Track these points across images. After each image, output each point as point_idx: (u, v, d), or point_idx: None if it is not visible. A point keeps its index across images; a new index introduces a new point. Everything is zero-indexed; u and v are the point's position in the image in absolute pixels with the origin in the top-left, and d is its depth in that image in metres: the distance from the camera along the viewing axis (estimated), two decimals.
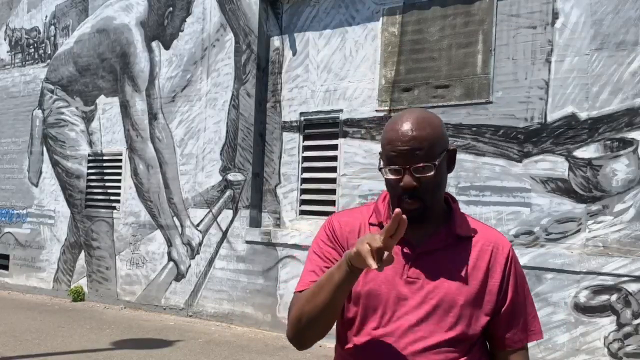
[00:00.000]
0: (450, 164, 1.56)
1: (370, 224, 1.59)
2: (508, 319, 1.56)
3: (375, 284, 1.52)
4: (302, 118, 7.02)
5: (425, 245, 1.53)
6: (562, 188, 5.34)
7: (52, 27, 9.56)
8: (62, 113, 9.30)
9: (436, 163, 1.47)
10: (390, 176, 1.49)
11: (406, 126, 1.47)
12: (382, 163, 1.53)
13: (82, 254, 8.88)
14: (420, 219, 1.51)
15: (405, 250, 1.53)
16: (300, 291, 1.55)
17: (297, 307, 1.52)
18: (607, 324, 4.97)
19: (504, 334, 1.57)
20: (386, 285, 1.51)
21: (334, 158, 6.76)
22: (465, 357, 1.51)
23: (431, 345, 1.48)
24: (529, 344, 1.62)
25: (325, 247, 1.60)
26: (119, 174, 8.53)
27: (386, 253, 1.32)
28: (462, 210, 1.64)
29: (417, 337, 1.49)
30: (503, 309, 1.55)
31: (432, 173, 1.47)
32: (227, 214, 7.37)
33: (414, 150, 1.46)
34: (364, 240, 1.34)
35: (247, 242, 7.16)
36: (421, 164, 1.46)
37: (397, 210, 1.31)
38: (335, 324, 1.57)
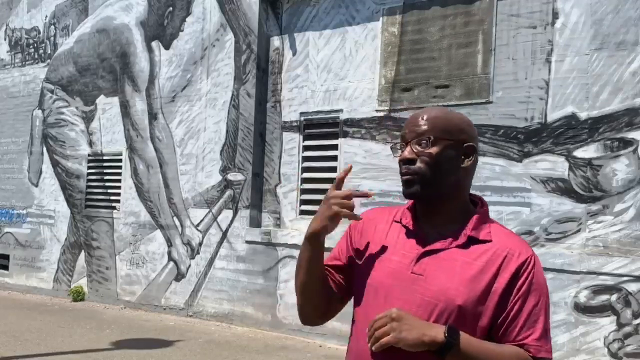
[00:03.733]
0: (467, 159, 1.59)
1: (394, 221, 1.68)
2: (507, 324, 1.49)
3: (382, 275, 1.58)
4: (302, 118, 7.02)
5: (435, 244, 1.56)
6: (562, 188, 5.34)
7: (52, 27, 9.56)
8: (62, 113, 9.30)
9: (431, 137, 1.55)
10: (395, 154, 1.63)
11: (419, 111, 1.63)
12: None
13: (82, 254, 8.88)
14: (421, 194, 1.57)
15: (415, 245, 1.58)
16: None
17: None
18: (607, 324, 4.97)
19: (503, 339, 1.50)
20: (392, 278, 1.55)
21: (334, 158, 6.76)
22: None
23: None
24: None
25: (344, 237, 1.76)
26: (119, 174, 8.53)
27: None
28: (491, 217, 1.63)
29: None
30: (503, 314, 1.49)
31: (429, 149, 1.54)
32: (227, 214, 7.37)
33: (418, 125, 1.58)
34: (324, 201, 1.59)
35: (247, 242, 7.16)
36: (420, 138, 1.56)
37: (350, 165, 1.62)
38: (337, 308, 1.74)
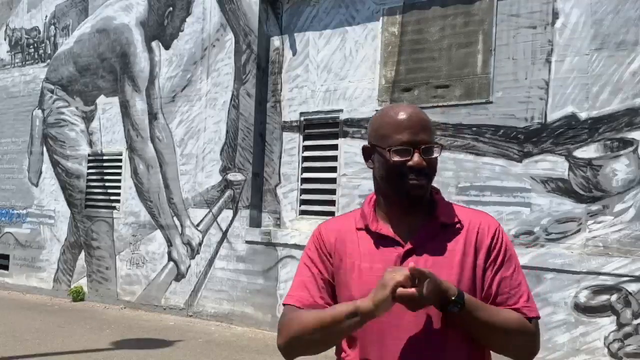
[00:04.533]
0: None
1: (357, 229, 1.61)
2: (495, 295, 1.54)
3: (370, 287, 1.52)
4: (302, 118, 7.02)
5: (413, 241, 1.55)
6: (562, 188, 5.34)
7: (52, 27, 9.56)
8: (62, 113, 9.30)
9: (442, 144, 1.57)
10: (397, 158, 1.52)
11: (409, 111, 1.56)
12: (382, 149, 1.54)
13: (82, 254, 8.88)
14: (421, 201, 1.56)
15: (394, 249, 1.55)
16: (292, 305, 1.59)
17: (297, 329, 1.54)
18: (607, 324, 4.97)
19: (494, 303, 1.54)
20: None
21: (334, 158, 6.76)
22: (464, 344, 1.51)
23: (427, 338, 1.50)
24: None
25: (314, 257, 1.64)
26: (119, 174, 8.53)
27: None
28: (446, 200, 1.65)
29: (412, 333, 1.50)
30: (487, 288, 1.54)
31: (437, 155, 1.54)
32: (227, 214, 7.37)
33: (422, 130, 1.53)
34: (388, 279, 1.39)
35: (247, 242, 7.16)
36: (429, 146, 1.53)
37: (412, 267, 1.37)
38: None
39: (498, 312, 1.50)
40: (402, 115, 1.54)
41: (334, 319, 1.47)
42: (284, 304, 1.63)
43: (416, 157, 1.51)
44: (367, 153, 1.63)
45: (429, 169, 1.53)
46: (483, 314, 1.47)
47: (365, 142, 1.65)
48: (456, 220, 1.58)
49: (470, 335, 1.51)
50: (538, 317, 1.56)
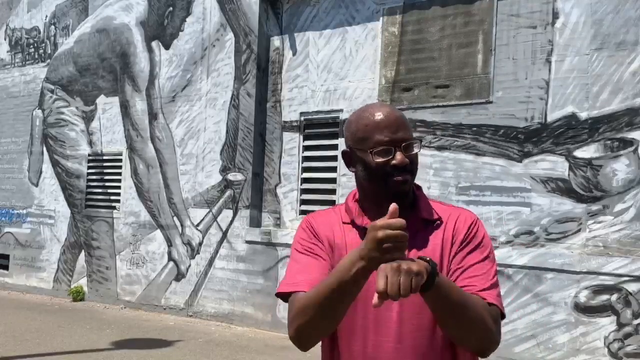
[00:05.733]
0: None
1: (343, 223, 1.63)
2: (461, 270, 1.53)
3: None
4: (302, 118, 7.03)
5: None
6: (562, 188, 5.34)
7: (52, 27, 9.56)
8: (62, 113, 9.30)
9: (420, 141, 1.57)
10: (380, 159, 1.52)
11: (385, 110, 1.56)
12: (363, 152, 1.54)
13: (82, 254, 8.88)
14: (406, 195, 1.57)
15: None
16: (294, 292, 1.54)
17: (304, 312, 1.49)
18: (607, 324, 4.97)
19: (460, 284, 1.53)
20: (367, 282, 1.49)
21: (334, 158, 6.76)
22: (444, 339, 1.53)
23: (410, 331, 1.52)
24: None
25: (308, 244, 1.62)
26: (119, 174, 8.53)
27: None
28: (427, 195, 1.67)
29: (395, 327, 1.52)
30: (454, 267, 1.54)
31: (418, 150, 1.55)
32: (227, 214, 7.37)
33: (400, 128, 1.54)
34: (376, 231, 1.34)
35: (247, 242, 7.16)
36: (410, 142, 1.54)
37: (394, 206, 1.33)
38: None
39: (469, 295, 1.48)
40: (378, 116, 1.54)
41: (341, 279, 1.41)
42: (290, 292, 1.55)
43: (399, 156, 1.52)
44: (347, 158, 1.63)
45: (412, 165, 1.55)
46: (455, 292, 1.44)
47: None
48: (436, 216, 1.61)
49: (441, 324, 1.49)
50: (502, 312, 1.53)
